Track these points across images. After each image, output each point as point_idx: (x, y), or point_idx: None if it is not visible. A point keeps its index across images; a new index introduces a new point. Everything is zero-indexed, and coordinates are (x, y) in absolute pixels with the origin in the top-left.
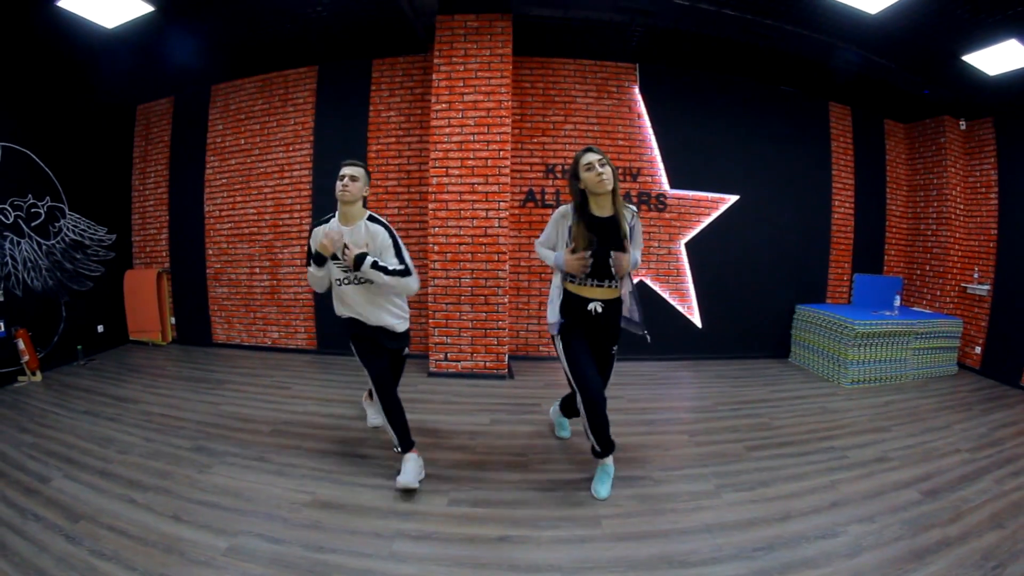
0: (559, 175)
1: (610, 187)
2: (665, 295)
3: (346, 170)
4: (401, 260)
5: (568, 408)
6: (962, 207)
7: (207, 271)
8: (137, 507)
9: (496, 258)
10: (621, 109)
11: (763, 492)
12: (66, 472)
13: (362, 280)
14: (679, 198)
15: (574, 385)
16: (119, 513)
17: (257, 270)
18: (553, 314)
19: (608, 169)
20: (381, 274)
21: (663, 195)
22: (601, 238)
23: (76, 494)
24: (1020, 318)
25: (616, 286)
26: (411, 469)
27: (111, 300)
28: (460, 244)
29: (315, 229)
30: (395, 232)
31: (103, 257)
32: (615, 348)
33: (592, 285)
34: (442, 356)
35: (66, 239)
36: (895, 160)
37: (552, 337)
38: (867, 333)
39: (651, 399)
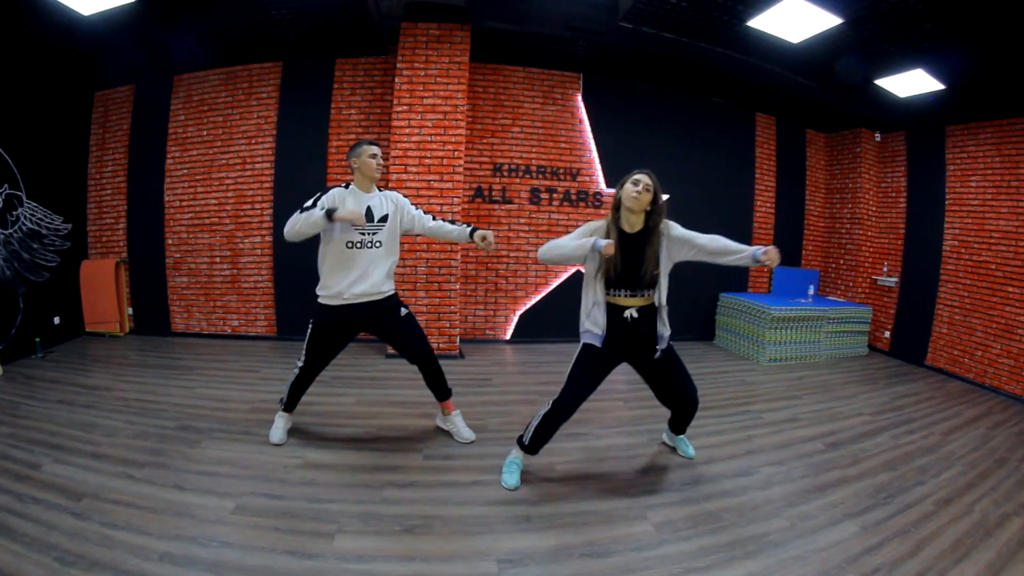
0: (506, 173)
1: (639, 209)
2: None
3: (378, 149)
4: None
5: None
6: (874, 209)
7: (166, 260)
8: (137, 482)
9: (449, 248)
10: (564, 115)
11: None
12: (55, 457)
13: (379, 244)
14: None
15: (562, 388)
16: (121, 488)
17: (218, 259)
18: (596, 325)
19: (647, 196)
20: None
21: (599, 193)
22: (626, 251)
23: (71, 476)
24: (923, 307)
25: (648, 295)
26: (280, 426)
27: (67, 291)
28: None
29: (339, 189)
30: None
31: (59, 247)
32: (659, 351)
33: (625, 295)
34: None
35: (23, 228)
36: (815, 165)
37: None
38: (782, 317)
39: None
